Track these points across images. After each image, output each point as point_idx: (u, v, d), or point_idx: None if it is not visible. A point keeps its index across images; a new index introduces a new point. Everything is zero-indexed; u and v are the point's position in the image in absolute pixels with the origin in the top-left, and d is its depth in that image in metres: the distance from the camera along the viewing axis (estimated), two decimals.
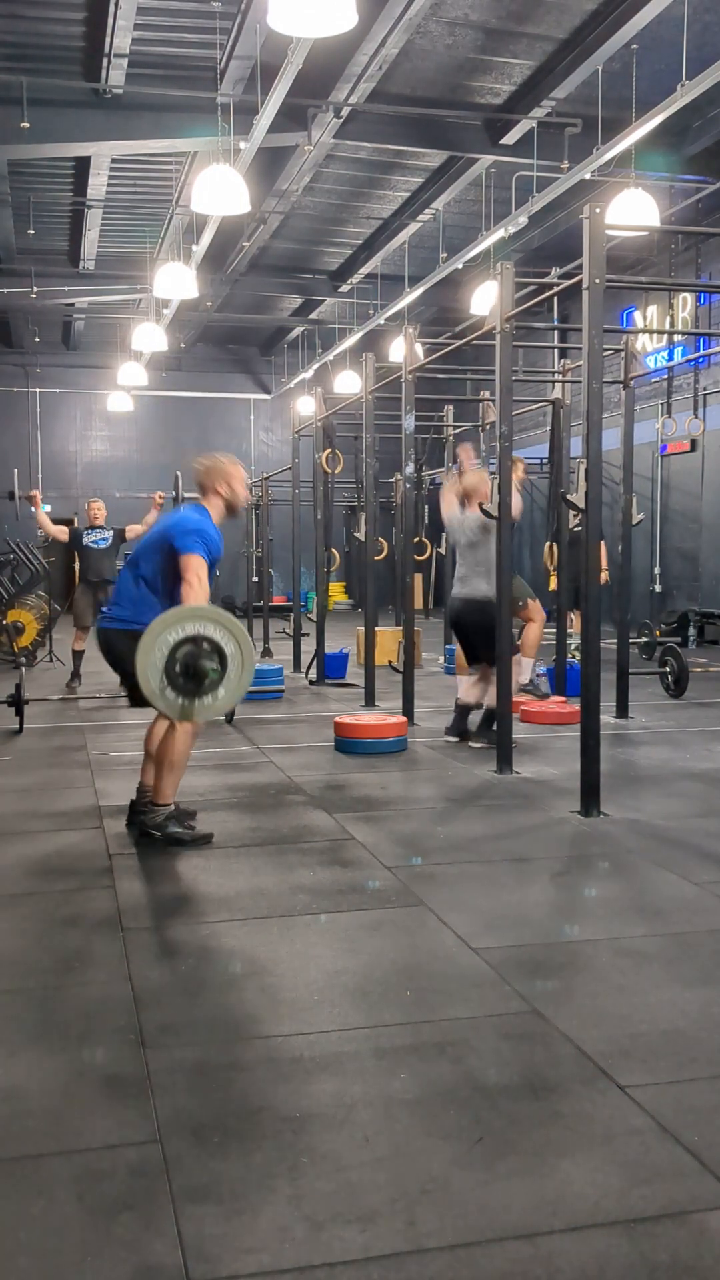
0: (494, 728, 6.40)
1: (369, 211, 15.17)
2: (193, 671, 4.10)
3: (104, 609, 4.97)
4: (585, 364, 4.98)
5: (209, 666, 4.07)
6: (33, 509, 10.28)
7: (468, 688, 7.06)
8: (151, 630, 4.15)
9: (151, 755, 4.75)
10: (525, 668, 8.43)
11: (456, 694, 7.22)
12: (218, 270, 16.76)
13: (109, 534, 10.09)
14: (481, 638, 6.67)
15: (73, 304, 18.94)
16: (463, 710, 7.07)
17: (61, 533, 10.14)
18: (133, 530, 10.27)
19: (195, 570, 4.49)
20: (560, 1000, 2.99)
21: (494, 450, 6.40)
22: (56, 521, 10.42)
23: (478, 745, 6.77)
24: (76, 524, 10.42)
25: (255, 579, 16.79)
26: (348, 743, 6.74)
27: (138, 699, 4.64)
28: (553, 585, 9.26)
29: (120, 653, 4.58)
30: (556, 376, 9.49)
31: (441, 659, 11.75)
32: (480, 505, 6.52)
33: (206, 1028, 2.84)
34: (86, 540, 10.02)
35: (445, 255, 14.29)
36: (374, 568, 8.92)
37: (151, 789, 4.69)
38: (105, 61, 10.24)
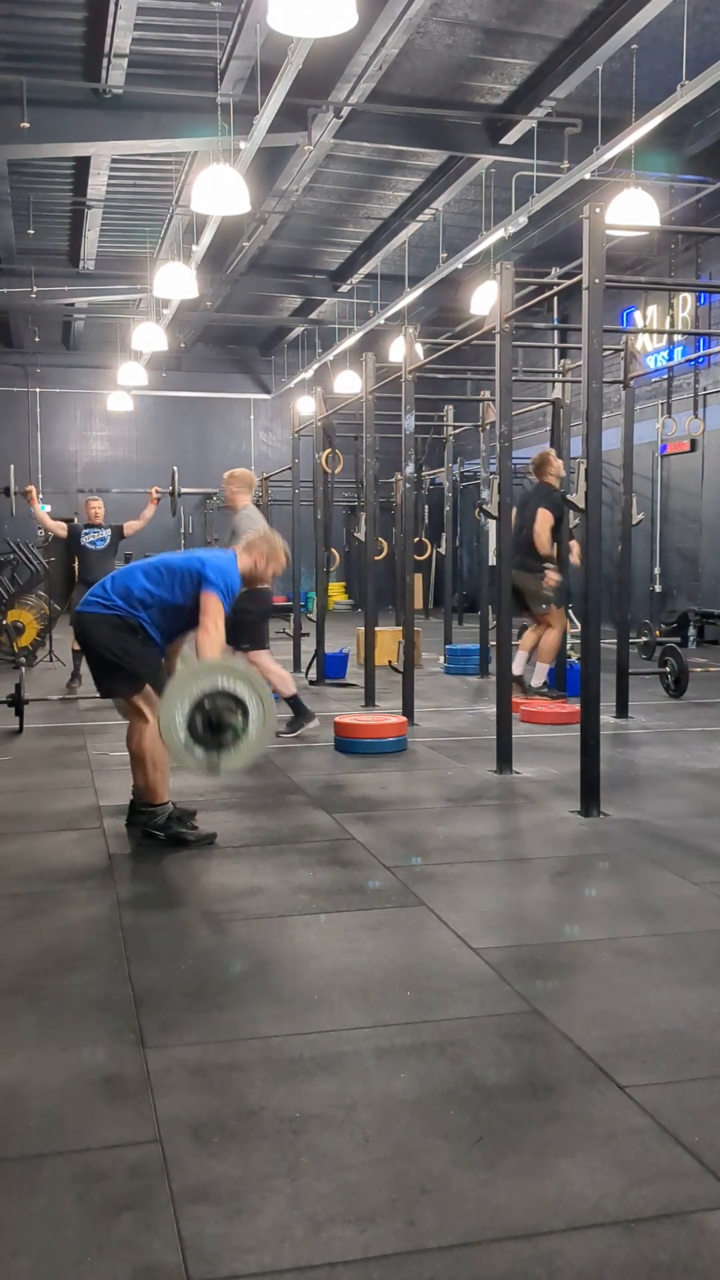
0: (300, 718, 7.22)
1: (369, 211, 15.17)
2: (216, 725, 4.09)
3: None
4: (585, 364, 4.98)
5: (232, 721, 4.05)
6: (29, 506, 10.27)
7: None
8: (176, 684, 4.14)
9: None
10: (539, 671, 8.46)
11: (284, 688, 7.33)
12: (218, 270, 16.76)
13: (107, 533, 10.08)
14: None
15: (73, 304, 18.94)
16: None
17: (60, 528, 10.14)
18: (131, 526, 10.29)
19: (214, 615, 4.47)
20: (560, 1000, 2.99)
21: (493, 450, 6.39)
22: (55, 518, 10.43)
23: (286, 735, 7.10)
24: (76, 521, 10.42)
25: None
26: (348, 743, 6.74)
27: (106, 689, 4.65)
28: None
29: (93, 638, 4.56)
30: (556, 376, 9.49)
31: (442, 659, 11.75)
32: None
33: (206, 1028, 2.84)
34: (85, 540, 10.02)
35: (445, 255, 14.29)
36: (374, 568, 8.92)
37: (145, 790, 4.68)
38: (105, 61, 10.24)
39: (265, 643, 7.36)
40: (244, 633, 7.18)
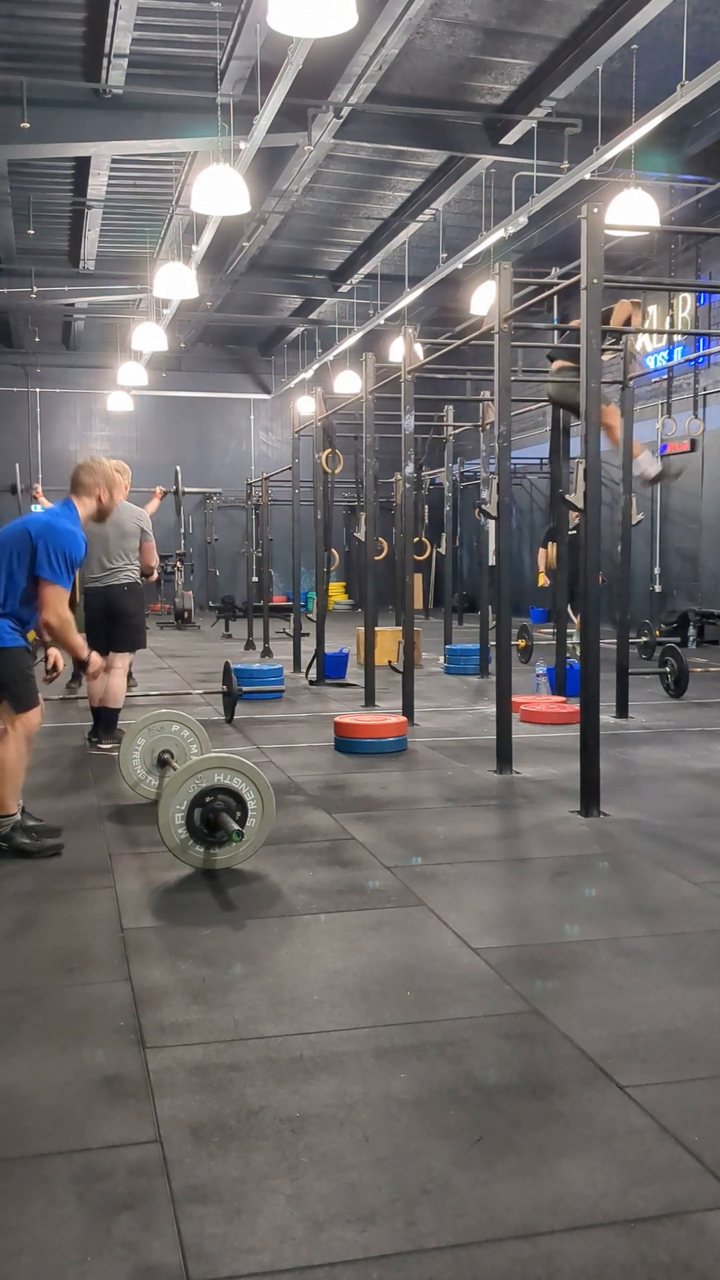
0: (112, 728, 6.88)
1: (369, 211, 15.18)
2: (215, 823, 4.11)
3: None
4: (584, 364, 4.98)
5: (230, 826, 4.05)
6: (35, 504, 10.23)
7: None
8: (173, 781, 4.15)
9: None
10: (646, 460, 8.21)
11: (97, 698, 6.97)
12: (218, 270, 16.77)
13: None
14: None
15: (73, 304, 18.95)
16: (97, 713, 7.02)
17: None
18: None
19: (55, 607, 4.41)
20: (560, 1000, 2.99)
21: (493, 450, 6.39)
22: None
23: (106, 747, 6.79)
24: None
25: (255, 579, 16.80)
26: (348, 743, 6.74)
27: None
28: (542, 581, 9.27)
29: None
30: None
31: (442, 659, 11.75)
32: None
33: (206, 1028, 2.84)
34: None
35: (445, 255, 14.29)
36: (374, 568, 8.92)
37: None
38: (105, 61, 10.25)
39: (142, 643, 7.36)
40: (128, 635, 7.13)
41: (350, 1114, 2.38)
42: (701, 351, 14.47)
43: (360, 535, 8.98)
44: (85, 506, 4.73)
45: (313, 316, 20.23)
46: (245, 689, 8.41)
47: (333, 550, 10.72)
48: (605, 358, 6.50)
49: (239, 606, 19.90)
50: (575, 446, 7.04)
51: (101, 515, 4.80)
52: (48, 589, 4.42)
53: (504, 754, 6.07)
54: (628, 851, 4.48)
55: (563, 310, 14.73)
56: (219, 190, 9.03)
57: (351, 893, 3.97)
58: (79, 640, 4.57)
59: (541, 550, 9.40)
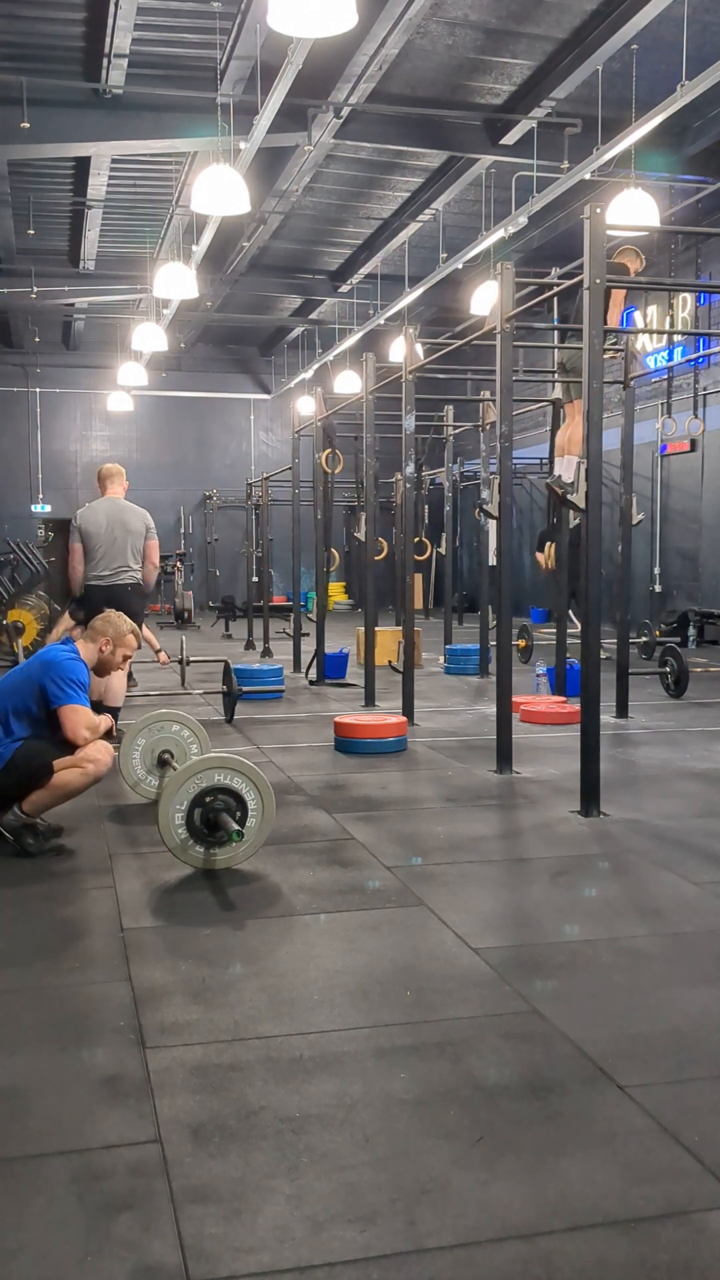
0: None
1: (369, 211, 15.18)
2: (215, 823, 4.11)
3: None
4: (585, 364, 4.98)
5: (231, 826, 4.03)
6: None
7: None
8: (173, 781, 4.15)
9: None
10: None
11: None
12: (218, 270, 16.77)
13: None
14: None
15: (73, 304, 18.95)
16: None
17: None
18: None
19: (80, 725, 4.47)
20: (560, 1000, 2.98)
21: (493, 450, 6.39)
22: (57, 524, 10.33)
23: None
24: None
25: (255, 579, 16.79)
26: (348, 743, 6.74)
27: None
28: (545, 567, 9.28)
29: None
30: (557, 376, 9.49)
31: (442, 659, 11.75)
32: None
33: (206, 1028, 2.84)
34: None
35: (445, 255, 14.29)
36: (374, 568, 8.92)
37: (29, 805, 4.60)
38: (105, 61, 10.25)
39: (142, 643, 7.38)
40: None
41: (350, 1114, 2.38)
42: (701, 351, 14.46)
43: (360, 535, 8.97)
44: (87, 650, 4.80)
45: (313, 316, 20.23)
46: (245, 689, 8.41)
47: (333, 550, 10.72)
48: (606, 357, 6.50)
49: (239, 606, 19.90)
50: None
51: (100, 667, 4.87)
52: (63, 711, 4.50)
53: (504, 754, 6.06)
54: (628, 851, 4.48)
55: (562, 310, 14.73)
56: (219, 190, 9.02)
57: (351, 893, 3.97)
58: (99, 721, 4.65)
59: (538, 554, 9.41)
